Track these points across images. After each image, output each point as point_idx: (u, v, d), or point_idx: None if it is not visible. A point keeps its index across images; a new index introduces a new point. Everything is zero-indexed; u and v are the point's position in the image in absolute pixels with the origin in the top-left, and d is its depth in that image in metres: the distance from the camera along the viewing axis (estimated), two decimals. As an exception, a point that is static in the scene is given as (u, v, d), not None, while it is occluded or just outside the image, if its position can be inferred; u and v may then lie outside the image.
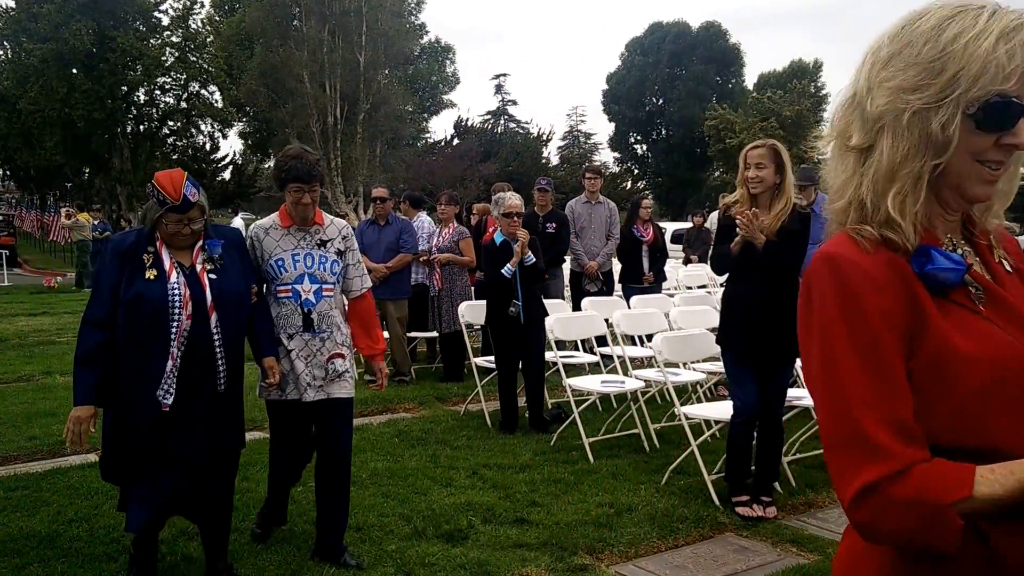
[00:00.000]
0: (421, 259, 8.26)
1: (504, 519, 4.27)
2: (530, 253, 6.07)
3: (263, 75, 32.63)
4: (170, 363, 3.14)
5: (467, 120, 46.00)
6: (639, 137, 55.72)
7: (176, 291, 3.16)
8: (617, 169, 52.55)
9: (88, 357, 3.17)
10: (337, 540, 3.76)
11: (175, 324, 3.14)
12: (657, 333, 5.44)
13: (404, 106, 37.03)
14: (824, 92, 54.56)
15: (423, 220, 8.68)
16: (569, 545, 3.92)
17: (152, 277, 3.17)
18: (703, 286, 10.19)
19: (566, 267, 8.86)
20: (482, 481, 4.89)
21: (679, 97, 50.87)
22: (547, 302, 6.69)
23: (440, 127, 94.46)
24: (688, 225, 17.18)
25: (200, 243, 3.32)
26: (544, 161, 39.99)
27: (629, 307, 7.06)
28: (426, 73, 46.58)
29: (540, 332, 6.05)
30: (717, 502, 4.50)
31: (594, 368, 6.69)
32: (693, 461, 4.76)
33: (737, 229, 4.24)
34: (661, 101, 53.67)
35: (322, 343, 3.69)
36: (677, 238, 16.16)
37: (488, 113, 52.68)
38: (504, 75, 52.75)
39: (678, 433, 5.56)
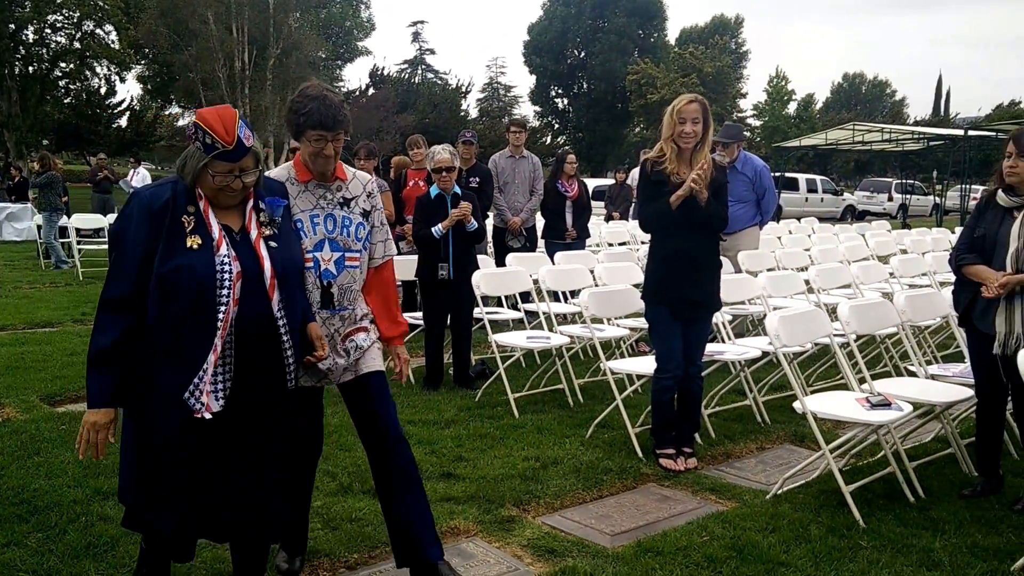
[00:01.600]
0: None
1: (431, 474, 4.28)
2: (473, 220, 5.99)
3: (164, 14, 30.87)
4: (212, 357, 2.42)
5: (383, 69, 45.12)
6: (560, 91, 55.52)
7: (227, 265, 2.44)
8: (538, 123, 52.46)
9: (107, 351, 2.45)
10: (433, 544, 3.10)
11: (222, 308, 2.42)
12: (582, 289, 5.49)
13: (317, 52, 35.79)
14: (745, 48, 55.49)
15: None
16: (496, 498, 3.96)
17: (196, 246, 2.43)
18: (625, 243, 10.32)
19: (489, 222, 8.83)
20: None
21: (601, 50, 50.79)
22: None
23: (355, 76, 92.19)
24: (610, 181, 17.32)
25: (251, 201, 2.60)
26: (463, 114, 39.64)
27: (553, 263, 7.09)
28: (340, 18, 45.06)
29: (471, 289, 6.03)
30: (640, 454, 4.60)
31: (519, 324, 6.72)
32: (617, 415, 4.85)
33: (691, 185, 4.24)
34: (583, 54, 53.49)
35: (341, 322, 3.06)
36: (599, 195, 16.27)
37: (405, 62, 51.78)
38: (422, 23, 51.96)
39: (602, 388, 5.65)
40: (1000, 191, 3.97)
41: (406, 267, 6.40)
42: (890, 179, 35.03)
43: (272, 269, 2.52)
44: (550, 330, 6.02)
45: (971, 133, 25.67)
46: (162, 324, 2.44)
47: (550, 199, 8.72)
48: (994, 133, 22.22)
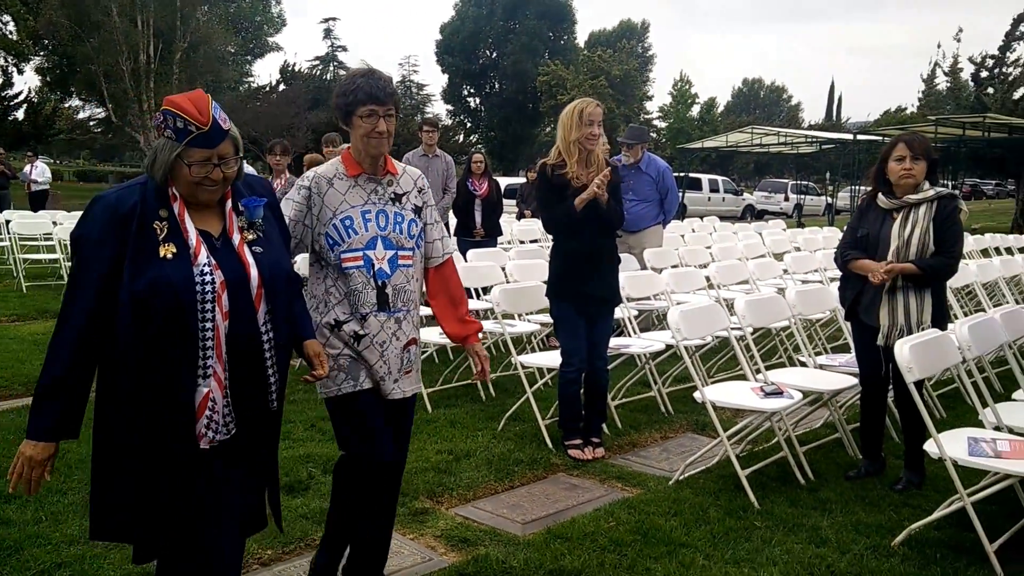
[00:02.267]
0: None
1: (344, 470, 4.31)
2: None
3: (65, 5, 29.60)
4: (213, 382, 2.16)
5: (294, 65, 44.28)
6: (472, 90, 55.58)
7: (208, 276, 2.15)
8: (450, 122, 52.39)
9: (61, 380, 2.13)
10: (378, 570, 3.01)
11: (209, 325, 2.14)
12: (494, 286, 5.60)
13: (225, 47, 34.91)
14: (651, 53, 56.70)
15: (247, 171, 8.37)
16: (410, 490, 4.01)
17: (171, 255, 2.13)
18: (536, 240, 10.48)
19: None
20: (321, 433, 4.88)
21: (513, 51, 51.09)
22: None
23: (265, 71, 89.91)
24: (522, 180, 17.49)
25: (229, 202, 2.31)
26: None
27: (465, 260, 7.17)
28: (249, 12, 44.04)
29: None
30: (550, 445, 4.73)
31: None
32: (528, 408, 4.96)
33: (595, 188, 4.39)
34: (495, 54, 53.70)
35: (398, 325, 2.83)
36: (511, 193, 16.43)
37: (317, 59, 50.95)
38: (333, 19, 51.22)
39: (514, 381, 5.76)
40: (880, 194, 4.25)
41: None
42: (786, 180, 36.47)
43: (259, 277, 2.25)
44: (462, 326, 6.08)
45: (860, 137, 26.95)
46: (137, 350, 2.12)
47: (461, 197, 8.81)
48: (880, 137, 23.39)
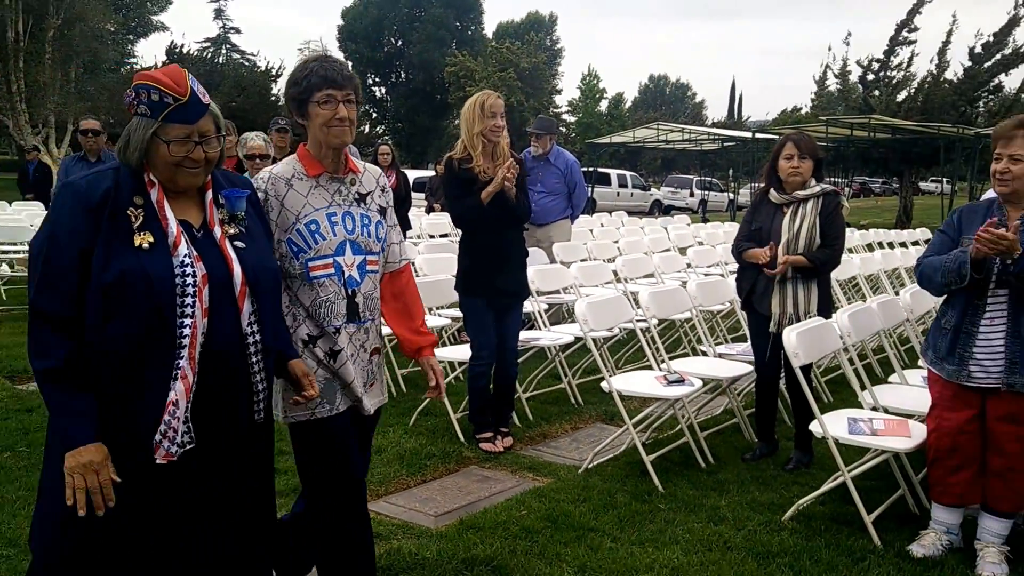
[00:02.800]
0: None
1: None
2: None
3: (-86, -24, 27.43)
4: (181, 385, 1.97)
5: (182, 47, 42.65)
6: (378, 79, 54.96)
7: (188, 268, 1.98)
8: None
9: (65, 370, 1.93)
10: None
11: (187, 322, 1.97)
12: (405, 280, 5.63)
13: (104, 24, 32.88)
14: (559, 46, 57.27)
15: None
16: (323, 487, 4.03)
17: (147, 245, 1.96)
18: (446, 234, 10.53)
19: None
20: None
21: (419, 40, 50.76)
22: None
23: (149, 52, 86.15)
24: (430, 173, 17.46)
25: (209, 192, 2.15)
26: (273, 98, 38.14)
27: (376, 255, 7.17)
28: (131, -12, 41.92)
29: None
30: (462, 438, 4.82)
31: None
32: (439, 402, 5.04)
33: (501, 181, 4.47)
34: (400, 43, 53.23)
35: (366, 335, 2.68)
36: (419, 186, 16.40)
37: (207, 40, 49.26)
38: (224, -1, 49.31)
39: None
40: (772, 189, 4.51)
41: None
42: (692, 176, 37.51)
43: (243, 274, 2.08)
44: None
45: (758, 136, 27.97)
46: (106, 346, 1.94)
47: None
48: (777, 136, 24.35)
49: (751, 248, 4.50)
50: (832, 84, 28.09)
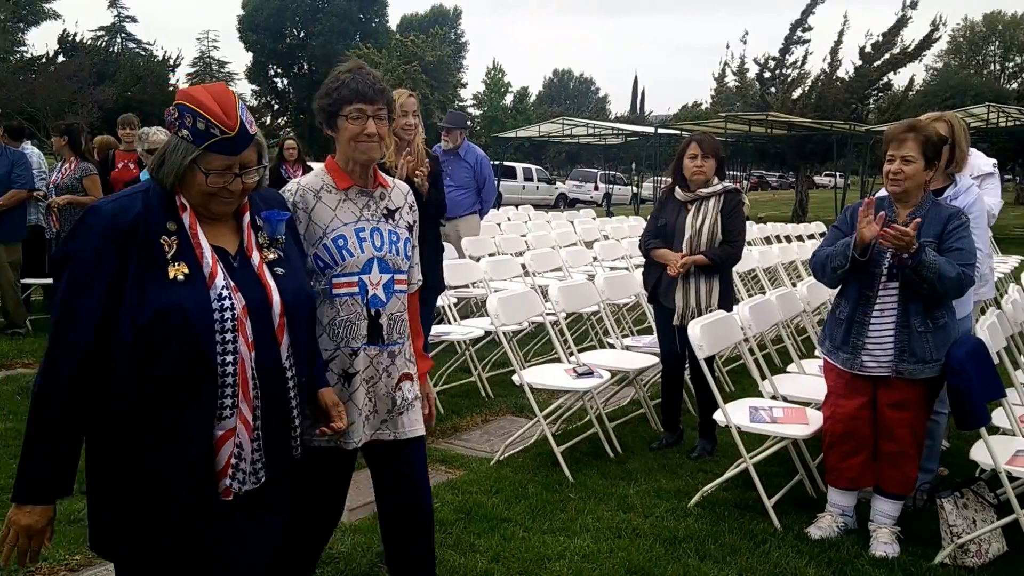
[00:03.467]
0: (37, 197, 7.43)
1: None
2: None
3: None
4: (239, 424, 1.86)
5: (75, 35, 40.72)
6: (280, 70, 53.70)
7: (227, 301, 1.83)
8: (256, 103, 50.39)
9: (58, 423, 1.78)
10: None
11: (229, 359, 1.83)
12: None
13: (-8, 12, 31.30)
14: (464, 40, 57.22)
15: (29, 153, 7.76)
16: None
17: (182, 277, 1.80)
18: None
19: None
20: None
21: (322, 31, 49.86)
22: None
23: (40, 41, 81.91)
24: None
25: (246, 215, 1.99)
26: (171, 89, 36.88)
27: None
28: (20, -24, 39.83)
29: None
30: (372, 433, 4.77)
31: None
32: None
33: (416, 181, 4.44)
34: (303, 34, 52.17)
35: (391, 360, 2.48)
36: (324, 178, 16.04)
37: (101, 29, 47.26)
38: (119, -14, 47.42)
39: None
40: (677, 187, 4.63)
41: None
42: (596, 170, 38.13)
43: (281, 303, 1.93)
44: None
45: (660, 131, 28.63)
46: (141, 389, 1.79)
47: (274, 185, 8.55)
48: (679, 131, 24.99)
49: (660, 247, 4.61)
50: (731, 80, 29.00)
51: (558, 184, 35.90)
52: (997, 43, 67.90)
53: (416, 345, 2.63)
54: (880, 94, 26.73)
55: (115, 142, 7.96)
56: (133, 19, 48.91)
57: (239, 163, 1.86)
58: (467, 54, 57.16)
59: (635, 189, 31.99)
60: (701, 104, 51.69)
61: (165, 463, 1.82)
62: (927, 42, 24.82)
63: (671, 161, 4.76)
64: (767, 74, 26.78)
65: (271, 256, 1.97)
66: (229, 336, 1.82)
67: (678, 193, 4.63)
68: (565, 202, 32.43)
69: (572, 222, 11.62)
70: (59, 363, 1.78)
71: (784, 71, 26.56)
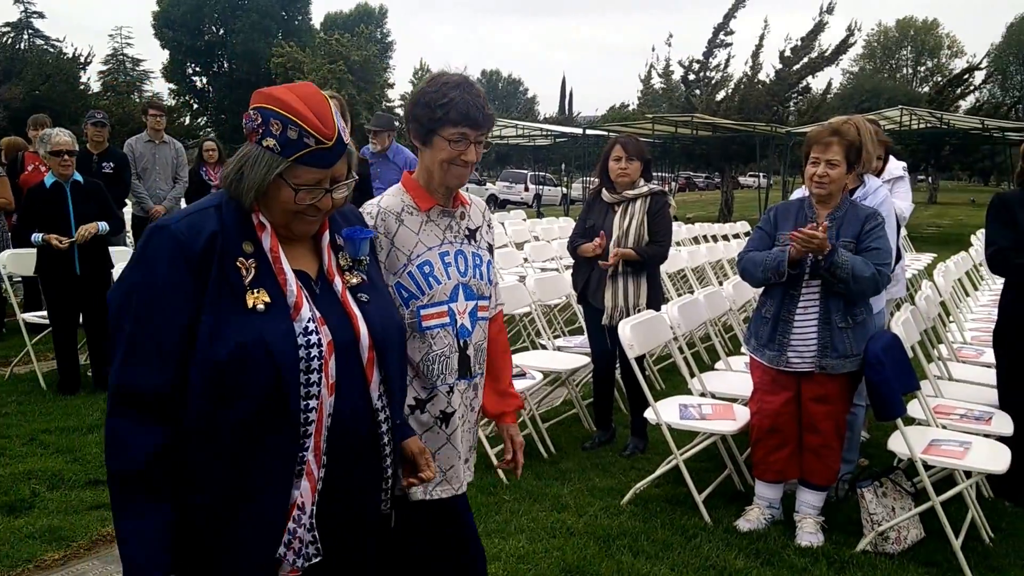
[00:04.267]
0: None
1: (75, 483, 4.02)
2: (102, 224, 5.57)
3: None
4: (306, 483, 1.57)
5: (-24, 32, 39.04)
6: (198, 68, 52.39)
7: (313, 336, 1.57)
8: (173, 102, 49.08)
9: (146, 473, 1.50)
10: None
11: (313, 403, 1.56)
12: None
13: None
14: (390, 39, 56.80)
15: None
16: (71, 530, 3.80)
17: (263, 306, 1.54)
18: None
19: (128, 211, 8.24)
20: (43, 447, 4.50)
21: (242, 28, 48.87)
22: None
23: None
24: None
25: (327, 235, 1.73)
26: (82, 87, 35.58)
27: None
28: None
29: (106, 285, 5.59)
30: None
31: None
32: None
33: None
34: (222, 31, 51.02)
35: (475, 393, 2.28)
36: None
37: (7, 25, 45.39)
38: (23, -20, 45.66)
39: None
40: (604, 189, 4.68)
41: (25, 261, 5.85)
42: (526, 171, 38.28)
43: (370, 336, 1.67)
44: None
45: (588, 132, 28.93)
46: (215, 437, 1.51)
47: (194, 188, 8.37)
48: (607, 132, 25.28)
49: (583, 244, 4.66)
50: (657, 82, 29.49)
51: (488, 185, 35.94)
52: (909, 48, 70.74)
53: (505, 379, 2.40)
54: (799, 97, 27.54)
55: (24, 143, 7.66)
56: (41, 15, 47.06)
57: (330, 177, 1.61)
58: (394, 54, 56.77)
59: (565, 190, 32.26)
60: (628, 105, 52.45)
61: (244, 529, 1.53)
62: (843, 47, 25.68)
63: (598, 162, 4.81)
64: (692, 76, 27.31)
65: (354, 280, 1.72)
66: (314, 377, 1.55)
67: (605, 195, 4.68)
68: (495, 203, 32.48)
69: (503, 223, 11.64)
70: (135, 398, 1.51)
71: (708, 74, 27.14)
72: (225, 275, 1.54)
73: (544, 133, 31.68)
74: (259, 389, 1.50)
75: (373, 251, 1.88)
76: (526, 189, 34.93)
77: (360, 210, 2.16)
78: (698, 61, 27.07)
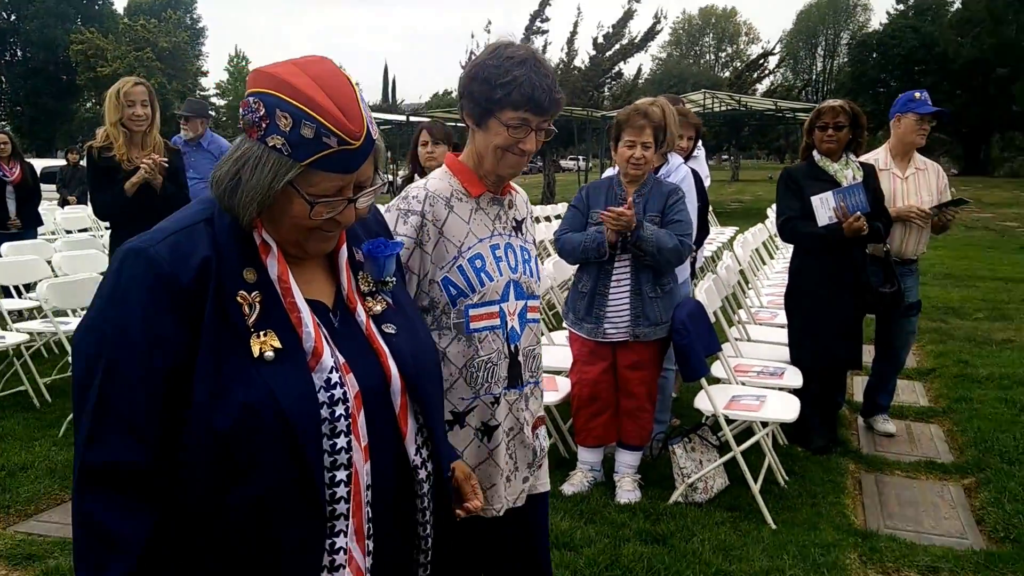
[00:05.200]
0: None
1: None
2: None
3: None
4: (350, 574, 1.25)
5: None
6: (-12, 57, 47.90)
7: (338, 389, 1.22)
8: (-39, 93, 44.64)
9: (141, 572, 1.17)
10: None
11: (341, 475, 1.22)
12: (40, 281, 5.10)
13: None
14: (201, 25, 54.02)
15: None
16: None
17: (271, 353, 1.19)
18: (86, 229, 9.58)
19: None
20: None
21: (37, 14, 45.01)
22: None
23: None
24: (61, 162, 15.69)
25: (344, 250, 1.36)
26: None
27: (0, 255, 6.36)
28: None
29: None
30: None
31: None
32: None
33: (144, 172, 4.25)
34: (14, 17, 46.81)
35: (526, 404, 2.05)
36: (49, 177, 14.64)
37: None
38: None
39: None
40: (415, 175, 4.75)
41: None
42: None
43: (401, 378, 1.31)
44: (3, 328, 5.43)
45: (413, 119, 28.85)
46: (219, 522, 1.18)
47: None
48: (431, 119, 25.32)
49: None
50: (476, 69, 29.72)
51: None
52: (711, 35, 75.30)
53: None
54: (613, 82, 28.71)
55: None
56: None
57: (354, 183, 1.25)
58: (206, 40, 54.09)
59: (390, 177, 32.03)
60: (452, 92, 52.58)
61: None
62: (651, 34, 26.98)
63: (410, 151, 4.88)
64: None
65: (378, 308, 1.36)
66: (342, 441, 1.21)
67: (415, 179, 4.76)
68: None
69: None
70: (108, 486, 1.17)
71: (526, 60, 27.67)
72: (224, 315, 1.18)
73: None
74: (270, 460, 1.16)
75: (399, 268, 1.52)
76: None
77: (404, 193, 1.94)
78: (517, 48, 27.56)
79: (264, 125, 1.18)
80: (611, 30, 26.60)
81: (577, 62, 27.10)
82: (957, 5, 40.04)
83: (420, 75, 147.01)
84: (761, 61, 38.04)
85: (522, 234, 2.06)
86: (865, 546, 3.43)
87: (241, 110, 1.23)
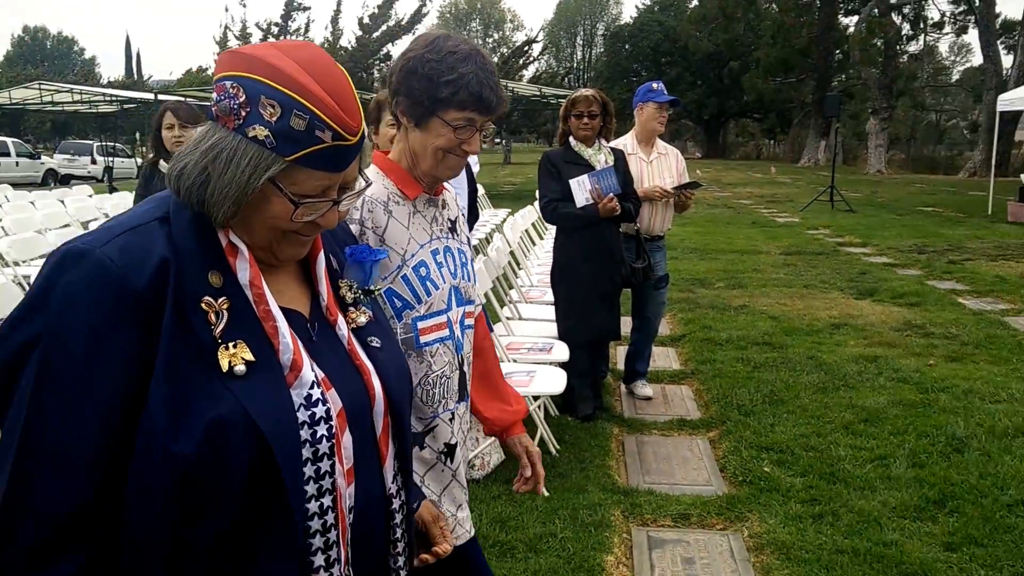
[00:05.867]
0: None
1: None
2: None
3: None
4: None
5: None
6: None
7: (319, 407, 1.06)
8: None
9: None
10: None
11: (327, 501, 1.07)
12: None
13: None
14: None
15: None
16: None
17: (242, 368, 1.00)
18: None
19: None
20: None
21: None
22: None
23: None
24: None
25: (321, 255, 1.20)
26: None
27: None
28: None
29: None
30: None
31: None
32: None
33: None
34: None
35: (466, 413, 1.86)
36: None
37: None
38: None
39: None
40: (160, 160, 4.37)
41: None
42: (92, 141, 34.47)
43: (385, 398, 1.19)
44: None
45: (162, 97, 26.95)
46: (184, 558, 1.00)
47: None
48: (184, 99, 23.85)
49: None
50: (233, 44, 28.36)
51: (44, 158, 31.66)
52: (478, 20, 76.66)
53: (500, 388, 1.99)
54: (382, 64, 28.48)
55: None
56: None
57: (346, 181, 1.13)
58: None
59: (140, 160, 29.73)
60: (207, 69, 49.72)
61: None
62: (417, 16, 27.07)
63: (151, 133, 4.48)
64: (271, 40, 26.79)
65: (361, 319, 1.24)
66: (325, 464, 1.08)
67: (162, 166, 4.41)
68: (56, 179, 28.78)
69: (63, 201, 10.43)
70: (45, 555, 0.97)
71: (288, 37, 26.81)
72: (185, 324, 1.03)
73: (109, 99, 28.79)
74: (244, 488, 1.02)
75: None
76: (93, 162, 31.48)
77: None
78: (277, 24, 26.61)
79: (244, 113, 1.04)
80: (377, 11, 26.35)
81: (343, 42, 26.60)
82: (695, 2, 43.62)
83: (169, 50, 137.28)
84: (526, 48, 39.32)
85: (457, 234, 1.90)
86: (627, 502, 3.67)
87: (215, 95, 1.07)
